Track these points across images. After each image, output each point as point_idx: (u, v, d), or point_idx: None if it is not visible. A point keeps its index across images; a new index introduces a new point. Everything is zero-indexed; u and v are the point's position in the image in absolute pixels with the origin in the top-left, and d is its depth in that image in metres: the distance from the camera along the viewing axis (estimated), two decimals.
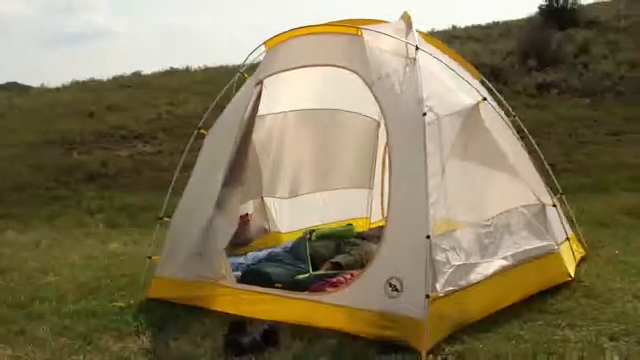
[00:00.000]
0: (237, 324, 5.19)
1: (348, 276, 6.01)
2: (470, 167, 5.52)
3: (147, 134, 16.60)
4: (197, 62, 28.65)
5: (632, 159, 14.00)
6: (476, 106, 5.67)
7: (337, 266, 6.42)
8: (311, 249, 6.71)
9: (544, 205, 6.06)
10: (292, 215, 7.85)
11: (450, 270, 5.05)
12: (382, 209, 8.34)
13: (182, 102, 18.59)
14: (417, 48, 5.57)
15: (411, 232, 5.00)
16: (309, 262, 6.47)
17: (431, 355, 4.69)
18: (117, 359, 5.03)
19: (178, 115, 17.59)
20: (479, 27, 27.32)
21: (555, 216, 6.34)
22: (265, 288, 5.75)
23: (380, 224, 8.01)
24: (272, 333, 5.11)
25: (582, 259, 6.89)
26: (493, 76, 16.81)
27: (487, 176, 5.69)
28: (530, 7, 44.99)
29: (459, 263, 5.13)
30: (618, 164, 13.76)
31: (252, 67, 6.56)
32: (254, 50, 6.35)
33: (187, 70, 23.03)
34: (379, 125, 8.02)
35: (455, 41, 26.14)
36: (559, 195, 6.77)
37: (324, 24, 6.00)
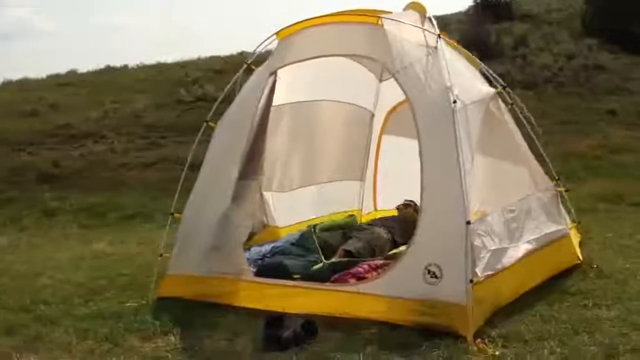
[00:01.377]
0: (274, 319, 5.10)
1: (366, 266, 6.04)
2: (493, 154, 5.59)
3: (96, 133, 16.15)
4: (133, 60, 27.99)
5: (581, 148, 14.46)
6: (495, 95, 5.77)
7: (349, 254, 6.41)
8: (319, 240, 6.68)
9: (556, 191, 6.21)
10: (288, 209, 7.76)
11: (488, 255, 5.12)
12: (375, 201, 8.39)
13: (127, 100, 18.17)
14: (439, 36, 5.60)
15: (448, 218, 5.03)
16: (320, 252, 6.44)
17: (479, 339, 4.73)
18: (154, 359, 4.89)
19: (126, 113, 17.21)
20: None
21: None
22: (292, 281, 5.69)
23: (375, 216, 8.08)
24: (310, 325, 5.06)
25: (580, 243, 7.09)
26: None
27: (507, 162, 5.79)
28: (465, 1, 45.75)
29: (494, 248, 5.21)
30: (570, 154, 14.17)
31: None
32: (264, 41, 6.25)
33: (125, 68, 22.50)
34: (373, 116, 8.05)
35: None
36: (554, 182, 6.95)
37: (339, 13, 5.96)
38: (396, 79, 5.52)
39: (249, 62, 6.45)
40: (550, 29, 22.44)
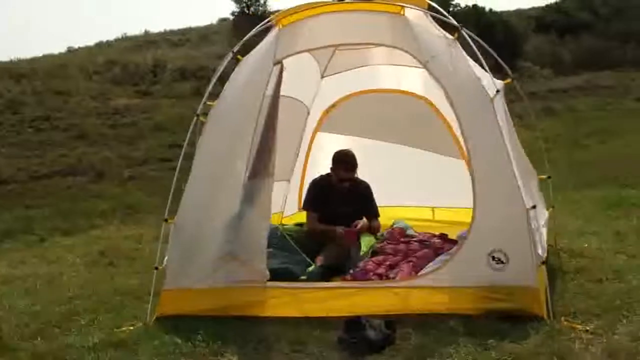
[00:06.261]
0: (354, 322, 4.75)
1: (371, 264, 5.94)
2: (512, 140, 5.76)
3: None
4: None
5: None
6: (504, 85, 5.97)
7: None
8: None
9: (538, 178, 6.58)
10: None
11: (541, 237, 5.31)
12: (301, 201, 8.06)
13: None
14: (461, 27, 5.63)
15: (505, 205, 5.10)
16: (300, 252, 6.20)
17: (562, 318, 4.87)
18: None
19: None
20: (173, 32, 27.17)
21: None
22: (336, 283, 5.37)
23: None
24: (391, 324, 4.80)
25: None
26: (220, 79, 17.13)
27: (518, 149, 6.00)
28: (219, 13, 46.33)
29: (541, 231, 5.42)
30: None
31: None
32: (256, 29, 5.82)
33: None
34: (308, 113, 7.75)
35: (151, 46, 25.77)
36: None
37: (352, 2, 5.73)
38: (427, 69, 5.42)
39: (235, 50, 5.92)
40: None
